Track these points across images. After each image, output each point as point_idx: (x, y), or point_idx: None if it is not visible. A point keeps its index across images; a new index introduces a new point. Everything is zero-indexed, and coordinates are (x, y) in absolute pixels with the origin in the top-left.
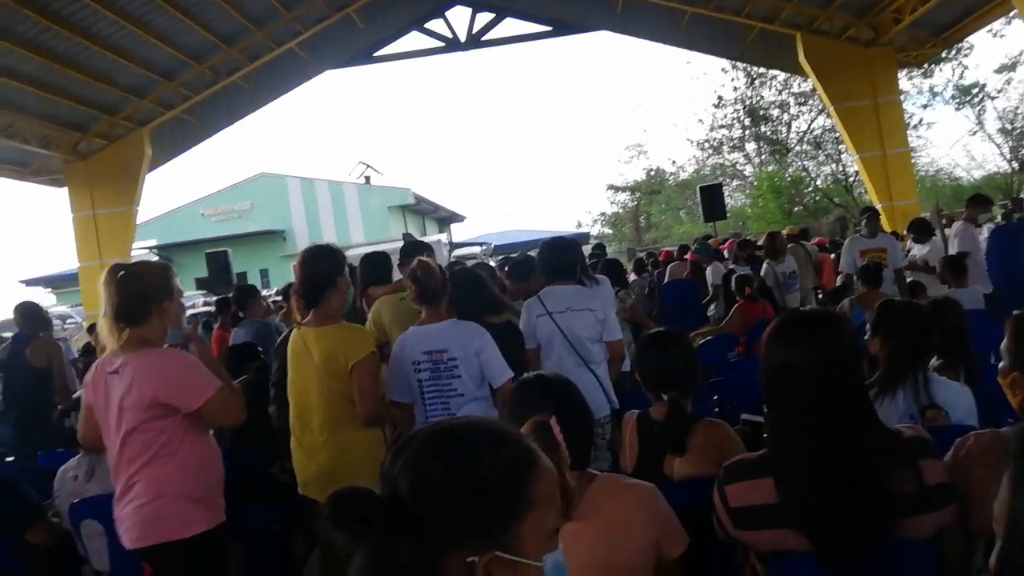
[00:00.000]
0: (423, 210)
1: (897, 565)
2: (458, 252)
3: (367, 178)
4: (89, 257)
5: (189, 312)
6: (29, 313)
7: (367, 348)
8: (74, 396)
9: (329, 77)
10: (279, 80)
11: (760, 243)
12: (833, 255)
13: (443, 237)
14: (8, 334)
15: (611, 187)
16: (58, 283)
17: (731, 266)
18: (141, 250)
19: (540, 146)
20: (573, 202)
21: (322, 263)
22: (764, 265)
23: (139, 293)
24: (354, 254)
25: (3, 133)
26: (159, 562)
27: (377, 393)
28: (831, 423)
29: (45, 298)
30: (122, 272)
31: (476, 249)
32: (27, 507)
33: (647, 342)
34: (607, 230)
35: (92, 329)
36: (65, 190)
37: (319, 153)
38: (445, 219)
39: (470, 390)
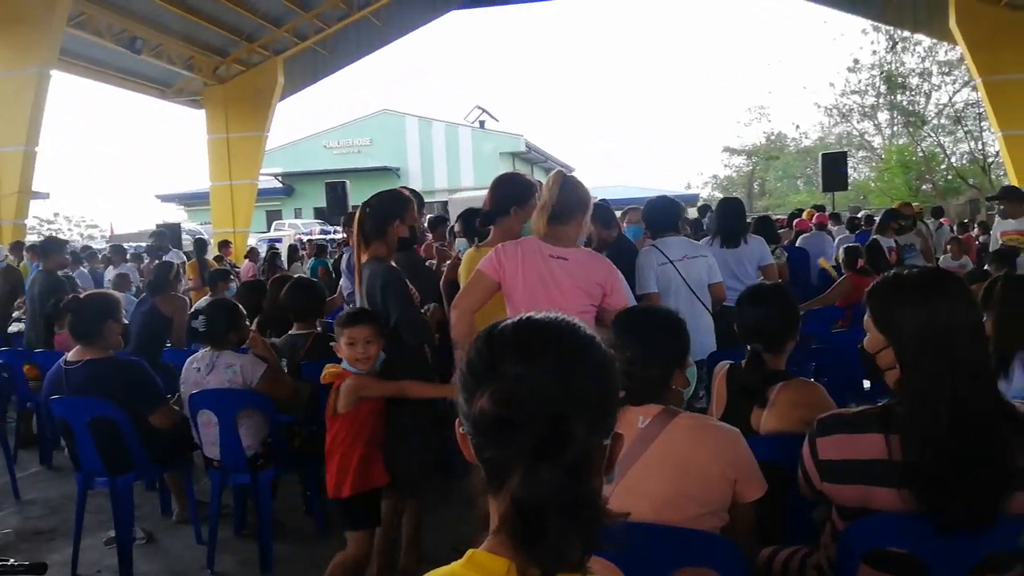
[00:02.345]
0: (533, 159)
1: (991, 537)
2: None
3: (482, 123)
4: (220, 177)
5: (307, 238)
6: (160, 275)
7: None
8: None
9: (454, 19)
10: (407, 17)
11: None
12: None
13: None
14: (140, 244)
15: (727, 149)
16: (190, 201)
17: (875, 236)
18: (267, 176)
19: (657, 102)
20: (684, 163)
21: (503, 191)
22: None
23: (574, 200)
24: (465, 196)
25: (152, 52)
26: None
27: None
28: (964, 385)
29: (177, 214)
30: (565, 179)
31: None
32: (155, 391)
33: (745, 294)
34: (717, 194)
35: (224, 245)
36: (202, 112)
37: (438, 96)
38: (553, 170)
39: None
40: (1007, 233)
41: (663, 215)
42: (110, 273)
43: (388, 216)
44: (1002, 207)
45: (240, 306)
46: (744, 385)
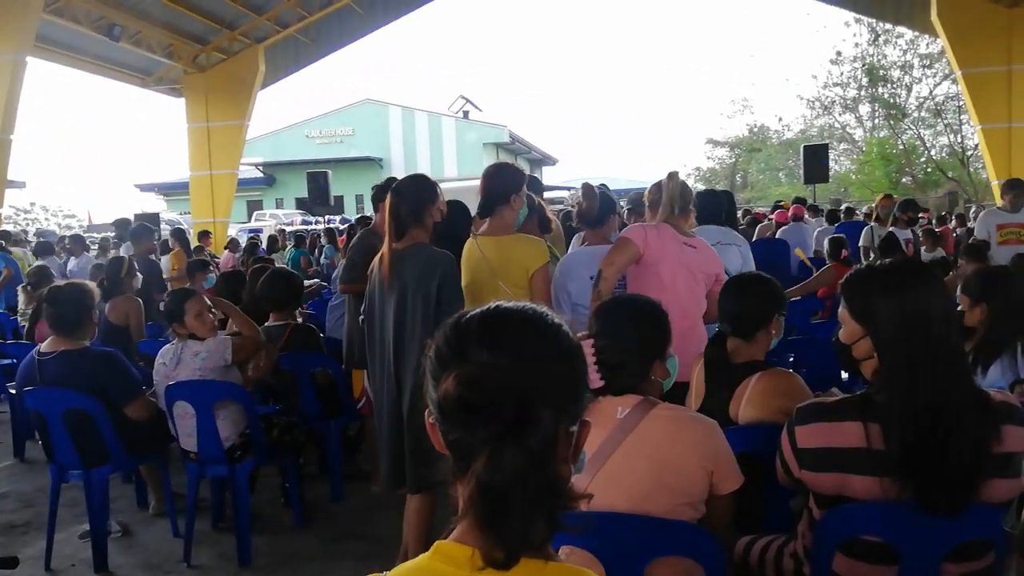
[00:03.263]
0: (517, 150)
1: (965, 525)
2: (547, 195)
3: (465, 113)
4: (200, 167)
5: (289, 230)
6: (111, 275)
7: (545, 258)
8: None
9: (438, 8)
10: (391, 4)
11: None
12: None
13: None
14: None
15: (710, 141)
16: (169, 190)
17: (890, 228)
18: (248, 165)
19: (640, 94)
20: (667, 154)
21: (500, 181)
22: (866, 228)
23: (689, 197)
24: (449, 187)
25: (131, 40)
26: None
27: (550, 299)
28: (941, 374)
29: (156, 204)
30: (682, 180)
31: (565, 193)
32: (131, 382)
33: (727, 283)
34: (700, 186)
35: (204, 235)
36: (182, 101)
37: (421, 86)
38: (537, 161)
39: None
40: (1005, 226)
41: (707, 205)
42: (72, 263)
43: (425, 200)
44: (1006, 199)
45: (195, 291)
46: (709, 360)
